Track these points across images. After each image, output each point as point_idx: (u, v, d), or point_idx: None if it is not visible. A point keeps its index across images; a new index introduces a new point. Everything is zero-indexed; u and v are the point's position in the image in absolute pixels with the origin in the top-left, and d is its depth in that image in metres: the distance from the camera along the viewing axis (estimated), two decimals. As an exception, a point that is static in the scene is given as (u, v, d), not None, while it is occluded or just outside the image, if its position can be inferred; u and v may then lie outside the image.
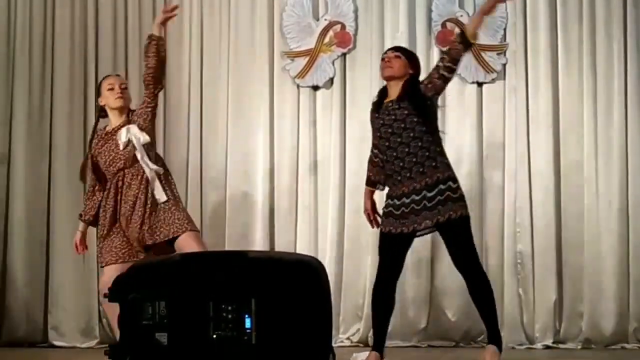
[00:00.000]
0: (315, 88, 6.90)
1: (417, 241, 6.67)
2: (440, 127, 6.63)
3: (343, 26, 6.85)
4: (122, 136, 5.36)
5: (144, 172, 5.37)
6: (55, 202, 6.91)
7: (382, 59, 5.37)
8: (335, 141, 6.82)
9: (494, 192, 6.71)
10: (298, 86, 6.90)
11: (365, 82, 6.81)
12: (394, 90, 5.28)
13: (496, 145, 6.73)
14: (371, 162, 5.47)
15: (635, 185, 6.56)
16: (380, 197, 5.57)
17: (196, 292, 3.79)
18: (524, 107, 6.69)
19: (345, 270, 6.76)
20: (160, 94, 6.89)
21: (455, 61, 5.22)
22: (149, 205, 5.33)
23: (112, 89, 5.45)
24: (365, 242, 6.75)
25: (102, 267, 5.44)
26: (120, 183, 5.36)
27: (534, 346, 6.48)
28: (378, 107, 5.33)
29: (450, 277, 6.52)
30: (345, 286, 6.74)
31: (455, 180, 5.21)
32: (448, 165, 5.23)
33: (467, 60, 6.73)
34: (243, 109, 6.94)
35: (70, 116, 6.97)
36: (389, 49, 5.48)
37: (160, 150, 6.83)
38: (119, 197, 5.36)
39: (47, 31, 7.05)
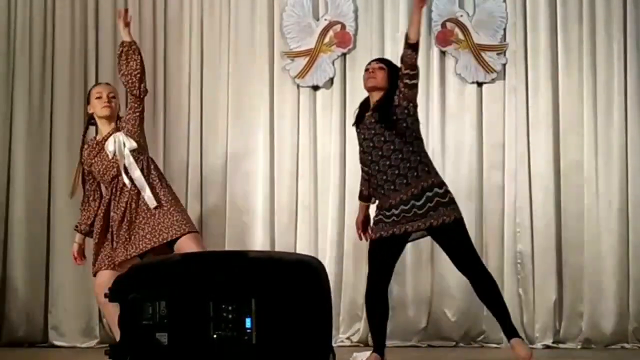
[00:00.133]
0: (315, 88, 6.90)
1: (417, 241, 6.70)
2: (439, 127, 6.73)
3: (343, 26, 6.86)
4: (110, 145, 5.38)
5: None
6: (55, 202, 6.90)
7: (366, 70, 5.38)
8: (335, 141, 6.82)
9: (494, 192, 6.71)
10: (298, 86, 6.90)
11: (365, 82, 6.81)
12: (375, 101, 5.31)
13: (496, 145, 6.73)
14: (362, 175, 5.49)
15: (635, 185, 6.56)
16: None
17: (196, 292, 3.79)
18: (524, 107, 6.69)
19: (345, 270, 6.76)
20: (160, 94, 6.96)
21: (412, 66, 5.18)
22: (143, 211, 5.33)
23: (99, 98, 5.46)
24: (365, 242, 6.74)
25: (94, 273, 5.44)
26: (114, 190, 5.37)
27: (534, 346, 6.48)
28: (359, 121, 5.34)
29: (450, 277, 6.53)
30: (345, 286, 6.74)
31: (441, 185, 5.21)
32: (430, 172, 5.22)
33: (467, 60, 6.74)
34: (243, 109, 6.94)
35: (71, 116, 6.97)
36: (373, 60, 5.49)
37: (160, 150, 6.85)
38: (112, 204, 5.37)
39: (47, 31, 7.05)
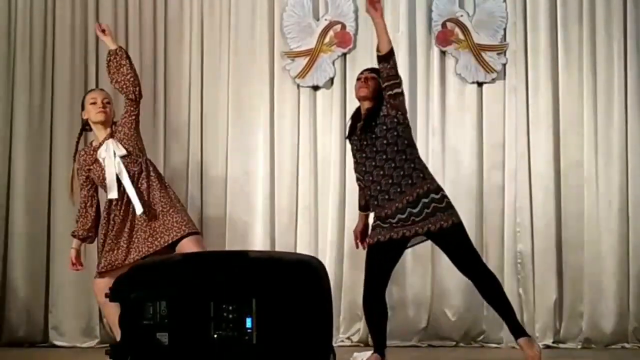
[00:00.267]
0: (316, 88, 6.90)
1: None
2: (439, 127, 6.72)
3: (343, 26, 6.85)
4: (102, 152, 5.39)
5: (136, 181, 5.38)
6: (55, 202, 6.90)
7: (358, 79, 5.37)
8: (336, 141, 6.82)
9: (494, 192, 6.71)
10: (298, 86, 6.90)
11: (366, 82, 6.81)
12: (365, 112, 5.31)
13: (496, 145, 6.73)
14: (360, 187, 5.47)
15: (635, 185, 6.56)
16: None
17: (197, 292, 3.79)
18: (524, 107, 6.69)
19: (346, 270, 6.76)
20: (161, 94, 6.95)
21: (390, 77, 5.18)
22: (143, 215, 5.33)
23: (94, 103, 5.47)
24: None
25: (96, 276, 5.44)
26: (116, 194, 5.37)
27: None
28: (351, 132, 5.34)
29: (450, 277, 6.53)
30: (346, 286, 6.74)
31: (437, 190, 5.21)
32: (425, 178, 5.21)
33: (467, 60, 6.74)
34: (243, 109, 6.94)
35: (71, 117, 6.95)
36: (365, 70, 5.47)
37: (160, 150, 6.84)
38: (114, 208, 5.36)
39: (48, 31, 7.04)
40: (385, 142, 5.18)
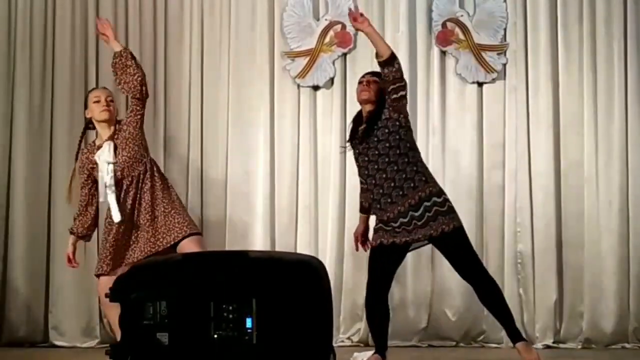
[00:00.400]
0: (316, 88, 6.90)
1: (417, 241, 6.68)
2: (439, 127, 6.72)
3: (343, 26, 6.85)
4: (99, 156, 5.38)
5: (141, 180, 5.38)
6: (56, 202, 6.89)
7: (360, 82, 5.38)
8: (336, 141, 6.82)
9: (494, 192, 6.71)
10: (298, 86, 6.90)
11: (366, 82, 6.81)
12: (366, 115, 5.31)
13: (496, 145, 6.73)
14: (362, 189, 5.48)
15: (635, 185, 6.56)
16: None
17: (197, 292, 3.79)
18: (524, 107, 6.69)
19: (346, 270, 6.76)
20: (161, 94, 6.96)
21: (395, 80, 5.18)
22: (148, 213, 5.34)
23: (98, 102, 5.46)
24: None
25: (98, 276, 5.44)
26: (119, 193, 5.37)
27: (534, 346, 6.46)
28: (353, 135, 5.35)
29: (450, 277, 6.52)
30: (346, 286, 6.74)
31: (439, 194, 5.21)
32: (428, 182, 5.21)
33: (468, 60, 6.74)
34: (243, 109, 6.94)
35: (71, 117, 6.96)
36: (367, 73, 5.47)
37: (160, 150, 6.84)
38: (120, 207, 5.36)
39: (48, 32, 7.04)
40: (387, 145, 5.18)
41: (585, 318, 6.53)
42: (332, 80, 6.88)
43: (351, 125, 5.44)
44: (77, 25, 7.02)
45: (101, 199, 5.40)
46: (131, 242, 5.36)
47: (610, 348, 6.46)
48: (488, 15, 6.76)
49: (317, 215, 6.84)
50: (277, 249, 6.76)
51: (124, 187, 5.37)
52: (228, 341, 3.76)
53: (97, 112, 5.46)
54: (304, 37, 6.88)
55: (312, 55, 6.86)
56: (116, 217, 5.31)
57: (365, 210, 5.50)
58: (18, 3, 7.05)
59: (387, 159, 5.18)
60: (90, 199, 5.50)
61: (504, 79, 6.75)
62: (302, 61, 6.86)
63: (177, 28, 7.03)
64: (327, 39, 6.87)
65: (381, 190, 5.19)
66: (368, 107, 5.30)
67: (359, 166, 5.31)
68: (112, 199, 5.33)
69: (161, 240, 5.31)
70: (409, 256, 6.55)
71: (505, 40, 6.76)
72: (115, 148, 5.39)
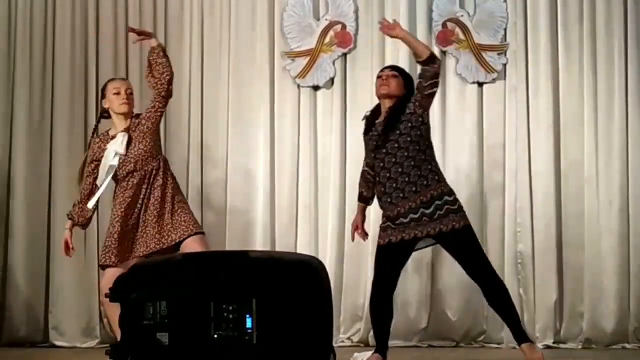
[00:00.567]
0: (316, 88, 6.90)
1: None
2: (440, 127, 6.72)
3: (343, 26, 6.86)
4: (111, 144, 5.38)
5: (152, 176, 5.38)
6: (56, 202, 6.90)
7: (379, 77, 5.38)
8: (336, 141, 6.82)
9: (494, 192, 6.71)
10: (298, 86, 6.90)
11: (366, 82, 6.81)
12: (386, 110, 5.30)
13: (496, 145, 6.73)
14: (363, 178, 5.49)
15: (635, 185, 6.56)
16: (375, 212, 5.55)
17: (197, 292, 3.79)
18: (524, 107, 6.69)
19: (346, 270, 6.76)
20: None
21: (433, 76, 5.21)
22: (156, 209, 5.34)
23: (117, 94, 5.44)
24: (366, 242, 6.74)
25: (104, 267, 5.42)
26: (128, 185, 5.36)
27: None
28: (370, 127, 5.34)
29: (451, 277, 6.53)
30: (346, 286, 6.75)
31: (450, 193, 5.22)
32: (440, 181, 5.23)
33: (468, 60, 6.74)
34: (243, 109, 6.94)
35: (71, 116, 6.97)
36: (386, 67, 5.50)
37: (160, 150, 6.84)
38: (129, 199, 5.35)
39: (48, 31, 7.05)
40: (408, 139, 5.19)
41: (586, 318, 6.53)
42: (332, 80, 6.88)
43: (367, 117, 5.41)
44: (77, 25, 7.03)
45: (98, 183, 5.39)
46: (137, 236, 5.36)
47: (611, 348, 6.46)
48: (488, 15, 6.76)
49: (317, 215, 6.84)
50: (277, 249, 6.77)
51: (136, 180, 5.35)
52: (228, 341, 3.76)
53: (116, 104, 5.44)
54: (304, 37, 6.88)
55: (312, 55, 6.86)
56: (92, 203, 5.36)
57: (364, 199, 5.51)
58: (18, 3, 7.05)
59: (405, 153, 5.18)
60: (94, 189, 5.49)
61: (504, 79, 6.75)
62: (302, 61, 6.86)
63: (177, 28, 7.03)
64: (327, 39, 6.87)
65: (394, 184, 5.19)
66: (388, 102, 5.30)
67: (374, 157, 5.28)
68: (103, 188, 5.35)
69: (166, 237, 5.32)
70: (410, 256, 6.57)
71: (505, 40, 6.76)
72: (130, 141, 5.38)
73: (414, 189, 5.16)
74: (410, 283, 6.68)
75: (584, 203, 6.59)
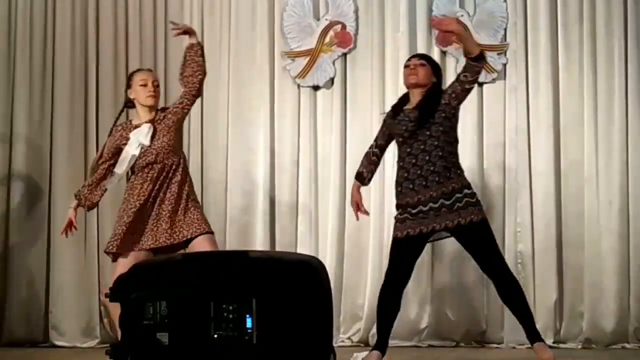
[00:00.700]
0: (316, 88, 6.90)
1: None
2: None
3: (344, 26, 6.86)
4: (135, 132, 5.36)
5: (172, 171, 5.37)
6: (56, 202, 6.90)
7: (407, 66, 5.35)
8: (336, 141, 6.82)
9: (493, 192, 6.71)
10: (298, 86, 6.90)
11: (366, 82, 6.82)
12: (416, 98, 5.28)
13: (497, 145, 6.73)
14: (367, 158, 5.50)
15: (636, 184, 6.55)
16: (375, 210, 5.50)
17: (197, 292, 3.79)
18: (524, 106, 6.69)
19: (346, 270, 6.76)
20: (161, 94, 6.95)
21: (478, 72, 5.26)
22: (171, 204, 5.33)
23: (145, 85, 5.43)
24: (366, 242, 6.75)
25: (109, 254, 5.40)
26: (146, 176, 5.34)
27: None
28: (397, 112, 5.31)
29: (451, 277, 6.54)
30: (346, 286, 6.74)
31: (469, 187, 5.24)
32: (461, 175, 5.25)
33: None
34: (243, 109, 6.94)
35: (71, 116, 6.97)
36: (413, 56, 5.47)
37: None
38: (146, 190, 5.33)
39: (48, 31, 7.05)
40: (441, 129, 5.20)
41: (586, 318, 6.52)
42: (332, 80, 6.88)
43: (396, 102, 5.40)
44: (77, 25, 7.03)
45: (116, 169, 5.38)
46: (147, 229, 5.34)
47: (611, 348, 6.45)
48: (488, 15, 6.76)
49: (317, 215, 6.84)
50: (277, 249, 6.77)
51: (155, 173, 5.34)
52: (228, 341, 3.76)
53: (143, 96, 5.42)
54: (304, 37, 6.88)
55: (312, 55, 6.86)
56: (109, 185, 5.36)
57: (361, 179, 5.51)
58: (18, 3, 7.06)
59: (435, 143, 5.18)
60: (106, 176, 5.47)
61: (504, 79, 6.75)
62: (302, 61, 6.86)
63: (178, 28, 7.02)
64: (327, 39, 6.87)
65: (419, 172, 5.18)
66: (417, 91, 5.29)
67: (402, 142, 5.24)
68: (121, 176, 5.36)
69: (177, 233, 5.31)
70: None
71: (505, 40, 6.76)
72: (154, 133, 5.37)
73: (437, 179, 5.15)
74: (410, 283, 6.63)
75: (584, 203, 6.58)
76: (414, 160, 5.20)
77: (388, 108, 6.68)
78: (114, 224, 5.49)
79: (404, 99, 5.39)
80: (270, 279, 3.83)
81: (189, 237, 5.32)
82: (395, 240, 5.26)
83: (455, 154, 5.27)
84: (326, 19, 6.88)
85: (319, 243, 6.82)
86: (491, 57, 6.71)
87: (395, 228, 5.27)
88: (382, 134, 5.46)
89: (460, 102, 5.29)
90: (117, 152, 5.43)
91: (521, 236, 6.63)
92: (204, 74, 5.46)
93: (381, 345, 5.29)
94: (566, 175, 6.65)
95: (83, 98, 7.01)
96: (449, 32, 5.41)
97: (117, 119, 5.58)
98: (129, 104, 5.54)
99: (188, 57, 5.47)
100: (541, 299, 6.58)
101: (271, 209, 6.86)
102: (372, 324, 6.63)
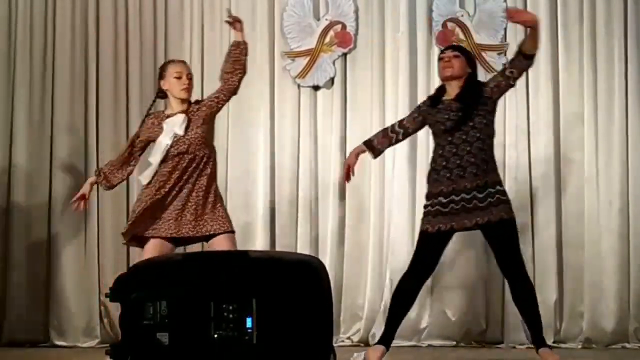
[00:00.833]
0: (316, 88, 6.90)
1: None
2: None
3: (344, 26, 6.86)
4: (169, 122, 5.35)
5: (203, 163, 5.34)
6: (56, 201, 6.90)
7: (441, 59, 5.31)
8: (336, 141, 6.82)
9: (494, 192, 6.70)
10: (299, 86, 6.90)
11: (366, 82, 6.82)
12: (454, 89, 5.23)
13: (497, 145, 6.68)
14: (385, 133, 5.41)
15: (636, 185, 6.55)
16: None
17: (197, 292, 3.79)
18: (524, 106, 6.68)
19: (346, 270, 6.76)
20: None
21: (523, 72, 5.26)
22: (199, 197, 5.31)
23: (179, 78, 5.41)
24: (366, 242, 6.75)
25: (131, 239, 5.39)
26: (177, 165, 5.32)
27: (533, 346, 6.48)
28: (436, 102, 5.26)
29: (451, 276, 6.54)
30: (346, 286, 6.74)
31: (501, 184, 5.23)
32: (496, 170, 5.24)
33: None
34: (243, 109, 6.93)
35: (71, 116, 6.97)
36: (446, 48, 5.42)
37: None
38: (174, 179, 5.31)
39: (48, 31, 7.05)
40: (484, 121, 5.18)
41: (586, 318, 6.52)
42: (332, 80, 6.88)
43: (434, 93, 5.35)
44: (77, 25, 7.03)
45: (151, 159, 5.35)
46: (169, 217, 5.30)
47: (611, 348, 6.45)
48: (488, 15, 6.76)
49: (317, 215, 6.84)
50: (277, 249, 6.76)
51: (185, 163, 5.31)
52: (228, 341, 3.76)
53: (177, 89, 5.40)
54: (304, 37, 6.88)
55: (312, 55, 6.86)
56: (145, 180, 5.32)
57: (371, 147, 5.39)
58: (18, 3, 7.06)
59: (477, 135, 5.15)
60: (130, 160, 5.46)
61: (504, 79, 6.74)
62: (302, 61, 6.86)
63: (178, 28, 7.02)
64: (327, 39, 6.87)
65: (458, 161, 5.13)
66: (454, 83, 5.24)
67: (443, 131, 5.17)
68: (155, 165, 5.31)
69: (201, 227, 5.29)
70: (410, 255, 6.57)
71: (505, 40, 6.76)
72: (188, 124, 5.36)
73: (474, 171, 5.12)
74: (410, 283, 6.67)
75: (584, 203, 6.58)
76: (454, 150, 5.14)
77: (388, 108, 6.76)
78: (133, 205, 5.46)
79: (441, 90, 5.32)
80: (270, 279, 3.83)
81: (211, 232, 5.28)
82: (426, 234, 5.19)
83: (492, 149, 5.23)
84: (326, 19, 6.88)
85: (319, 243, 6.82)
86: (491, 57, 6.72)
87: (426, 221, 5.21)
88: (413, 119, 5.37)
89: (500, 96, 5.27)
90: (148, 141, 5.43)
91: (521, 236, 6.60)
92: (245, 72, 5.46)
93: (387, 339, 5.25)
94: (566, 175, 6.65)
95: (83, 98, 7.01)
96: (523, 22, 5.30)
97: (150, 108, 5.54)
98: (161, 94, 5.51)
99: (233, 55, 5.46)
100: (541, 299, 6.50)
101: (271, 208, 6.86)
102: (372, 324, 6.64)
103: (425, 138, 6.69)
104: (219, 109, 5.47)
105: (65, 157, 6.94)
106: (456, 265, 6.61)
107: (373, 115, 6.74)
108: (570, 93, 6.67)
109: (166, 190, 5.31)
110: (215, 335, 3.77)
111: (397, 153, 6.70)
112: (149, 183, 5.36)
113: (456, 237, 5.45)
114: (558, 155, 6.65)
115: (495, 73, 5.49)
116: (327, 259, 6.58)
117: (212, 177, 5.39)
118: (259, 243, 6.80)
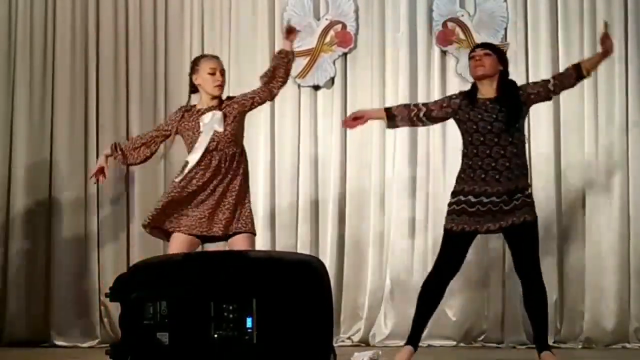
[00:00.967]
0: (316, 88, 6.90)
1: (417, 241, 6.68)
2: (440, 127, 6.71)
3: (344, 26, 6.86)
4: (205, 119, 5.32)
5: (235, 161, 5.30)
6: (56, 201, 6.90)
7: (472, 57, 5.26)
8: (336, 141, 6.82)
9: (494, 192, 6.70)
10: (299, 86, 6.90)
11: (366, 81, 6.82)
12: (487, 88, 5.20)
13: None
14: (409, 111, 5.29)
15: (636, 185, 6.55)
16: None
17: (197, 292, 3.79)
18: (524, 107, 6.68)
19: (346, 270, 6.76)
20: (161, 94, 6.99)
21: (565, 89, 5.27)
22: (232, 197, 5.28)
23: (212, 74, 5.37)
24: (366, 242, 6.75)
25: (152, 230, 5.37)
26: (207, 161, 5.28)
27: (534, 346, 6.47)
28: (472, 100, 5.20)
29: (451, 277, 6.53)
30: (346, 286, 6.74)
31: (529, 187, 5.23)
32: (526, 175, 5.23)
33: (467, 60, 6.72)
34: (243, 108, 6.93)
35: (71, 116, 6.98)
36: (477, 47, 5.39)
37: (160, 150, 6.83)
38: (206, 177, 5.27)
39: (48, 31, 7.05)
40: (517, 126, 5.15)
41: (586, 318, 6.52)
42: (332, 80, 6.88)
43: (469, 91, 5.28)
44: (77, 25, 7.03)
45: (189, 158, 5.30)
46: (200, 215, 5.28)
47: (611, 348, 6.45)
48: (488, 15, 6.76)
49: (317, 215, 6.84)
50: (278, 249, 6.76)
51: (216, 161, 5.28)
52: (228, 341, 3.76)
53: (210, 86, 5.35)
54: (305, 37, 6.87)
55: (313, 55, 6.86)
56: (178, 177, 5.28)
57: (390, 115, 5.28)
58: (18, 3, 7.06)
59: (510, 139, 5.11)
60: (151, 145, 5.43)
61: (504, 79, 6.73)
62: (303, 61, 6.86)
63: (178, 28, 7.03)
64: (328, 39, 6.87)
65: (493, 164, 5.09)
66: (487, 82, 5.20)
67: (475, 130, 5.12)
68: (192, 165, 5.28)
69: (226, 225, 5.26)
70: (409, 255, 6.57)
71: (505, 40, 6.76)
72: (224, 119, 5.33)
73: (509, 176, 5.09)
74: (411, 282, 6.67)
75: (584, 203, 6.58)
76: (488, 151, 5.10)
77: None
78: (162, 196, 5.44)
79: (474, 88, 5.26)
80: (270, 279, 3.83)
81: (234, 231, 5.27)
82: (450, 233, 5.16)
83: (524, 154, 5.21)
84: (326, 19, 6.88)
85: (319, 243, 6.82)
86: (491, 57, 6.71)
87: (450, 219, 5.17)
88: (440, 107, 5.28)
89: (532, 105, 5.27)
90: (175, 132, 5.38)
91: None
92: (285, 83, 5.47)
93: (414, 339, 5.23)
94: (566, 175, 6.64)
95: (83, 98, 7.01)
96: (606, 48, 5.24)
97: (187, 104, 5.46)
98: (194, 89, 5.46)
99: (280, 62, 5.43)
100: (542, 299, 6.57)
101: (271, 209, 6.86)
102: (372, 324, 6.64)
103: (425, 138, 6.71)
104: (251, 109, 5.43)
105: (65, 157, 6.94)
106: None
107: (373, 115, 6.74)
108: (570, 93, 6.63)
109: (195, 187, 5.27)
110: (215, 335, 3.77)
111: (397, 153, 6.70)
112: (183, 179, 5.29)
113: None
114: (558, 154, 6.65)
115: (538, 81, 5.43)
116: (327, 259, 6.58)
117: (245, 177, 5.36)
118: (259, 243, 6.77)
